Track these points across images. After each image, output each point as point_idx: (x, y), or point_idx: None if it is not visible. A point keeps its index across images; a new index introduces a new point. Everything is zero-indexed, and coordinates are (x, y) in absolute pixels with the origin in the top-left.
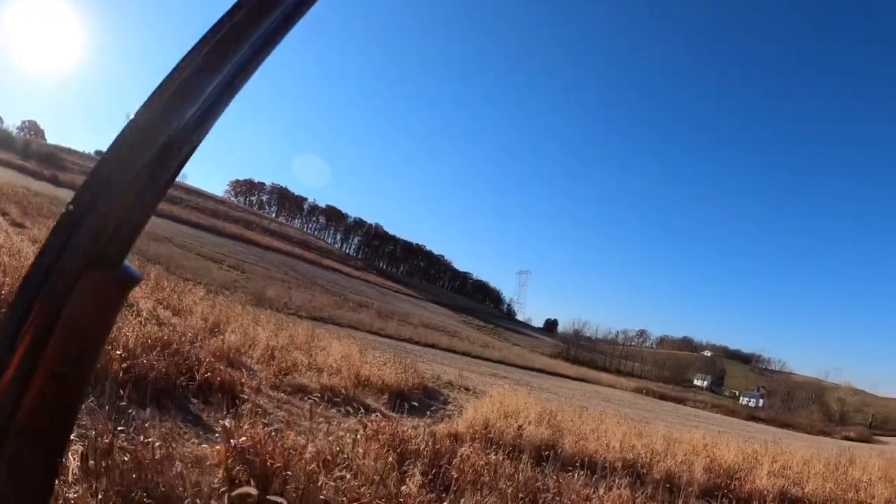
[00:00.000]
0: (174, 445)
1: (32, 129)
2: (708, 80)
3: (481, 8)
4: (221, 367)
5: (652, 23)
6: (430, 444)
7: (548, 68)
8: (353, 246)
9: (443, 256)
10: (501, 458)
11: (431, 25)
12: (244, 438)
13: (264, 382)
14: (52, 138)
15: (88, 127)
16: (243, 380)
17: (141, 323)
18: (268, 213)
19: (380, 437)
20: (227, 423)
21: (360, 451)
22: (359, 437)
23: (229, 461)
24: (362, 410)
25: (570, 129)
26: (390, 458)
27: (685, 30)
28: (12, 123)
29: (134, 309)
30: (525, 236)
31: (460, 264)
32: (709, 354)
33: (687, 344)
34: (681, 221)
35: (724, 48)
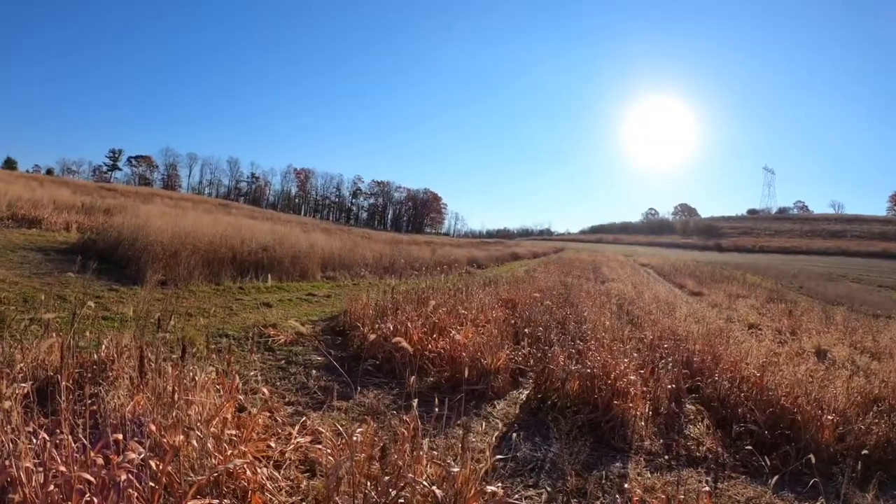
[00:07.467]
0: None
1: (685, 210)
2: None
3: None
4: None
5: None
6: None
7: None
8: None
9: None
10: None
11: None
12: None
13: None
14: (704, 212)
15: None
16: None
17: (847, 376)
18: None
19: None
20: None
21: None
22: None
23: None
24: None
25: None
26: None
27: None
28: (667, 210)
29: (828, 358)
30: None
31: None
32: None
33: None
34: None
35: None
